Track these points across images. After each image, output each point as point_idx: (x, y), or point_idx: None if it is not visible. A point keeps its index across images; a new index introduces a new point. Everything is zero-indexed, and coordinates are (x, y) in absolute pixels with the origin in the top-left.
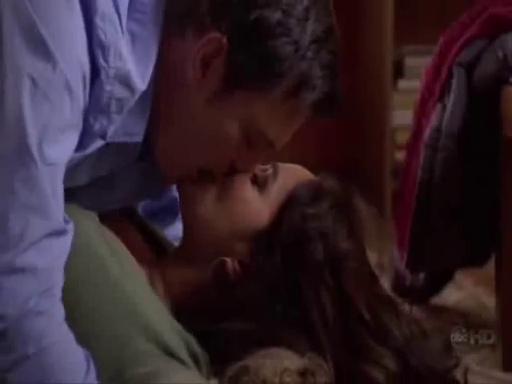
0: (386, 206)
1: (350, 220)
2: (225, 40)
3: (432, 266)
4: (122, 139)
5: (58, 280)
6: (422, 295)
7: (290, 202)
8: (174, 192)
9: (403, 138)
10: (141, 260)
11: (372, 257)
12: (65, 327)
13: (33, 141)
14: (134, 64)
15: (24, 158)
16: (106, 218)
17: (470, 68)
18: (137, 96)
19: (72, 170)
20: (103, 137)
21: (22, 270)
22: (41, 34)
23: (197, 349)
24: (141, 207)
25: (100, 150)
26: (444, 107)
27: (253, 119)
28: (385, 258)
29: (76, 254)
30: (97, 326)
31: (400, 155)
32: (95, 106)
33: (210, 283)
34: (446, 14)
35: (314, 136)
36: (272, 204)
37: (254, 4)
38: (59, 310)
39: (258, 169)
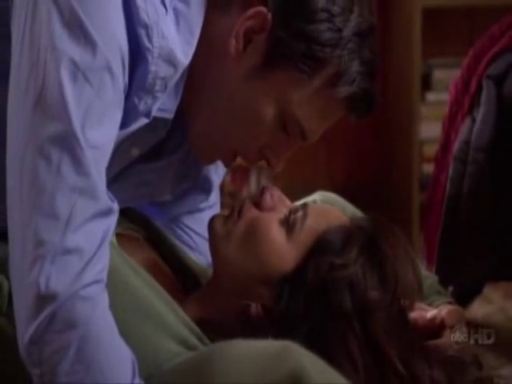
0: (413, 219)
1: (380, 266)
2: (270, 16)
3: (460, 279)
4: (155, 114)
5: (104, 262)
6: None
7: (317, 248)
8: (206, 171)
9: (430, 150)
10: (158, 277)
11: None
12: (110, 316)
13: (77, 125)
14: (177, 41)
15: (69, 141)
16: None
17: (499, 81)
18: (180, 72)
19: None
20: (147, 115)
21: (70, 252)
22: (79, 17)
23: None
24: (173, 188)
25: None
26: (473, 120)
27: (288, 103)
28: None
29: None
30: (126, 334)
31: (427, 168)
32: (140, 87)
33: (232, 325)
34: (474, 27)
35: (343, 149)
36: (299, 248)
37: None
38: (104, 298)
39: (288, 210)
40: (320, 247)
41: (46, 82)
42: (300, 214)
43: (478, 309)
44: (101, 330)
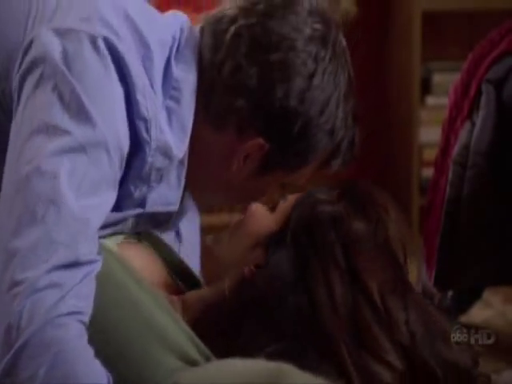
0: (413, 223)
1: (363, 208)
2: (267, 146)
3: (460, 283)
4: (159, 209)
5: (84, 300)
6: (449, 313)
7: (301, 200)
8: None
9: (430, 154)
10: (160, 286)
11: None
12: (84, 338)
13: (69, 195)
14: (171, 137)
15: (57, 202)
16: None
17: (499, 85)
18: (175, 164)
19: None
20: (142, 205)
21: (45, 288)
22: (81, 99)
23: None
24: None
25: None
26: (473, 124)
27: (286, 181)
28: (413, 276)
29: (98, 283)
30: (126, 348)
31: (427, 172)
32: (136, 175)
33: (228, 292)
34: (473, 31)
35: None
36: (283, 209)
37: (296, 113)
38: (78, 326)
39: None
40: (304, 197)
41: (43, 154)
42: (281, 201)
43: (478, 313)
44: (74, 347)
